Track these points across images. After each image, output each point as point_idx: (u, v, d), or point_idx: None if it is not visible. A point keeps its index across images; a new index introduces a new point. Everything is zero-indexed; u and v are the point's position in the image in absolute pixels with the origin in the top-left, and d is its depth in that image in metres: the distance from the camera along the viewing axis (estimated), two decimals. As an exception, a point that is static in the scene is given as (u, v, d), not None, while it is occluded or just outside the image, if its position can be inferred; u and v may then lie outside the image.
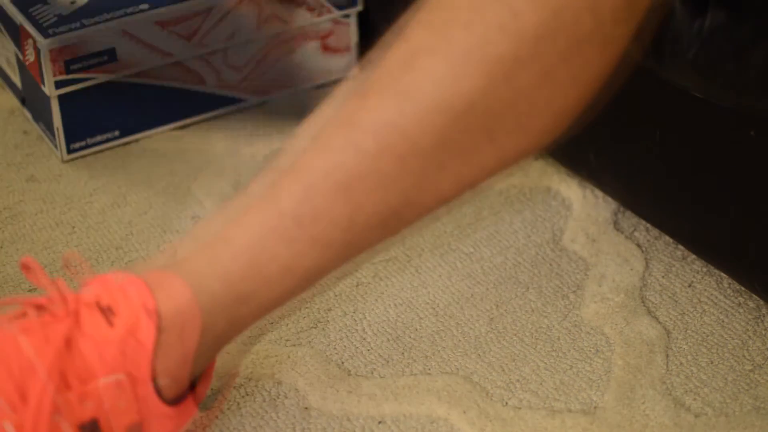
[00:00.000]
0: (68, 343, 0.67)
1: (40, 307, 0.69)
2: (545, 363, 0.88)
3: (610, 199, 1.04)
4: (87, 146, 1.12)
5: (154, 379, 0.69)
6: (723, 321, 0.92)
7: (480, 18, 0.67)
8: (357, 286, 0.96)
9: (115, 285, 0.69)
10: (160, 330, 0.68)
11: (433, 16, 0.69)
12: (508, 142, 0.71)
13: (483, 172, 0.72)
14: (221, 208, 0.71)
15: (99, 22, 1.07)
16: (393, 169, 0.69)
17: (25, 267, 0.72)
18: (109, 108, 1.11)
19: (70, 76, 1.07)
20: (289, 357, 0.89)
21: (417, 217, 0.72)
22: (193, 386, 0.73)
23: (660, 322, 0.92)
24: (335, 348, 0.90)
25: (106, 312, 0.68)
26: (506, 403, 0.85)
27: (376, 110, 0.68)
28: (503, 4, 0.67)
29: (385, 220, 0.71)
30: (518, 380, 0.87)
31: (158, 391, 0.70)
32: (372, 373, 0.88)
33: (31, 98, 1.14)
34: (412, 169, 0.69)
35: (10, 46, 1.13)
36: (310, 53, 1.20)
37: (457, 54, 0.67)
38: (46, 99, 1.09)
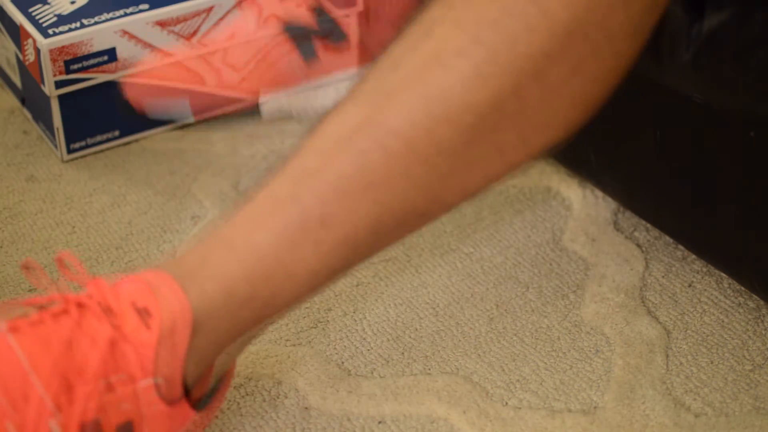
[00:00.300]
0: (69, 343, 0.67)
1: (41, 308, 0.69)
2: (545, 363, 0.88)
3: (610, 199, 1.04)
4: (87, 146, 1.12)
5: (153, 379, 0.69)
6: (723, 321, 0.92)
7: (508, 17, 0.67)
8: (357, 286, 0.96)
9: (146, 285, 0.68)
10: (189, 330, 0.68)
11: (460, 14, 0.68)
12: (535, 137, 0.71)
13: (510, 166, 0.72)
14: (242, 208, 0.69)
15: (99, 22, 1.07)
16: (420, 170, 0.68)
17: (26, 268, 0.72)
18: (109, 108, 1.11)
19: (70, 76, 1.07)
20: (289, 357, 0.89)
21: (441, 214, 0.73)
22: (191, 388, 0.73)
23: (660, 322, 0.92)
24: (335, 348, 0.90)
25: (143, 313, 0.68)
26: (506, 403, 0.85)
27: (403, 111, 0.68)
28: (532, 3, 0.67)
29: (410, 219, 0.70)
30: (518, 380, 0.87)
31: (157, 391, 0.70)
32: (372, 373, 0.88)
33: (31, 98, 1.14)
34: (440, 169, 0.69)
35: (10, 46, 1.13)
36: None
37: (484, 54, 0.67)
38: (46, 99, 1.09)
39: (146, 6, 1.10)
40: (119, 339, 0.67)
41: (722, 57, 0.79)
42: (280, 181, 0.69)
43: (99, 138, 1.12)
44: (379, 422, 0.84)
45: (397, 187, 0.68)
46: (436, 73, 0.67)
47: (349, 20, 0.93)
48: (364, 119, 0.68)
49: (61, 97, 1.08)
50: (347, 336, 0.91)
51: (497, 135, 0.69)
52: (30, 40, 1.07)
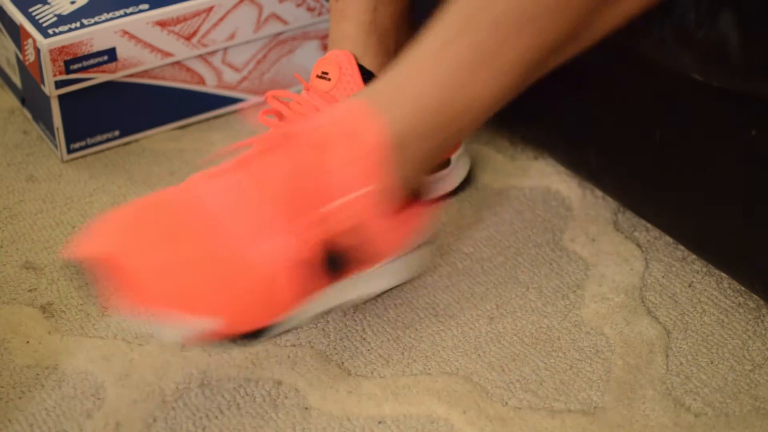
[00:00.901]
0: (288, 173, 0.78)
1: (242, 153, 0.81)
2: (545, 363, 0.88)
3: (610, 199, 1.04)
4: (87, 146, 1.12)
5: (367, 189, 0.79)
6: (723, 321, 0.92)
7: None
8: (357, 286, 0.96)
9: (348, 112, 0.80)
10: (391, 147, 0.79)
11: None
12: None
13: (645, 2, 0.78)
14: (412, 49, 0.79)
15: (99, 22, 1.08)
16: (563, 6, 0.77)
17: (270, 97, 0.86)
18: (109, 108, 1.11)
19: (70, 76, 1.07)
20: (289, 357, 0.89)
21: (590, 43, 0.80)
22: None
23: (660, 322, 0.92)
24: (335, 348, 0.90)
25: (348, 135, 0.79)
26: (506, 403, 0.85)
27: None
28: None
29: (563, 46, 0.79)
30: (518, 380, 0.87)
31: (375, 198, 0.80)
32: (372, 373, 0.88)
33: (31, 98, 1.14)
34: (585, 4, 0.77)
35: (10, 46, 1.13)
36: (310, 53, 1.20)
37: None
38: (46, 99, 1.09)
39: (146, 6, 1.10)
40: (326, 161, 0.78)
41: (729, 38, 0.79)
42: (446, 24, 0.78)
43: (99, 138, 1.12)
44: (379, 422, 0.84)
45: (549, 20, 0.77)
46: None
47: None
48: None
49: (61, 97, 1.08)
50: (347, 336, 0.91)
51: None
52: (30, 40, 1.07)
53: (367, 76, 0.93)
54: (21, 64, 1.13)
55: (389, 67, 0.81)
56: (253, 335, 0.79)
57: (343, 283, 0.83)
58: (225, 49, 1.15)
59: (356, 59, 0.93)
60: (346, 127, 0.79)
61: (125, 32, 1.08)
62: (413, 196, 0.85)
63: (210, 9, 1.12)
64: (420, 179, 0.84)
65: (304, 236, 0.78)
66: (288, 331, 0.85)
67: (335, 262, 0.81)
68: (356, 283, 0.86)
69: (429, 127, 0.80)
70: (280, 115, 0.99)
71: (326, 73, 0.96)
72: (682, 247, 0.98)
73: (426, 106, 0.79)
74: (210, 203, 0.78)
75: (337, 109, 0.80)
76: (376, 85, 0.81)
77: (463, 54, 0.78)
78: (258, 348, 0.90)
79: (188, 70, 1.14)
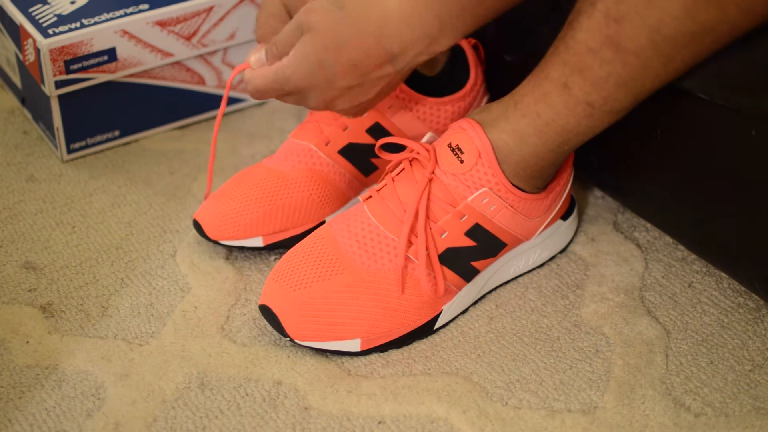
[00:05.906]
0: (415, 191, 0.90)
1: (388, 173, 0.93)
2: (545, 363, 0.88)
3: (610, 199, 1.04)
4: (87, 146, 1.12)
5: (479, 191, 0.89)
6: (723, 321, 0.92)
7: None
8: (357, 286, 0.96)
9: (459, 128, 0.90)
10: (496, 155, 0.89)
11: None
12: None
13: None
14: (527, 85, 0.87)
15: (99, 22, 1.08)
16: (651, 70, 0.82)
17: None
18: (109, 108, 1.11)
19: (70, 76, 1.07)
20: (289, 357, 0.89)
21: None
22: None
23: (660, 322, 0.92)
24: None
25: (456, 151, 0.90)
26: (506, 403, 0.85)
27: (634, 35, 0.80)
28: None
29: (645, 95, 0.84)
30: (518, 380, 0.87)
31: (487, 196, 0.89)
32: (372, 373, 0.88)
33: (31, 98, 1.14)
34: (674, 61, 0.81)
35: (10, 46, 1.13)
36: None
37: None
38: (46, 99, 1.09)
39: (146, 6, 1.10)
40: (443, 174, 0.89)
41: (725, 53, 0.79)
42: (555, 68, 0.85)
43: (99, 138, 1.12)
44: (379, 422, 0.84)
45: (636, 87, 0.82)
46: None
47: None
48: (601, 39, 0.81)
49: (61, 97, 1.09)
50: (347, 336, 0.91)
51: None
52: (30, 40, 1.07)
53: None
54: (21, 64, 1.13)
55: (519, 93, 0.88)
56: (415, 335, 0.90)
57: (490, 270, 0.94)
58: (225, 49, 1.15)
59: None
60: (455, 141, 0.90)
61: (125, 32, 1.08)
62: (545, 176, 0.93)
63: (210, 9, 1.12)
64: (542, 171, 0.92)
65: (429, 245, 0.89)
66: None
67: (464, 262, 0.91)
68: (499, 270, 0.95)
69: (526, 152, 0.89)
70: None
71: None
72: (682, 247, 0.98)
73: (525, 138, 0.88)
74: (341, 241, 0.90)
75: (454, 125, 0.91)
76: (488, 111, 0.90)
77: (569, 103, 0.85)
78: (258, 348, 0.90)
79: (188, 70, 1.14)
